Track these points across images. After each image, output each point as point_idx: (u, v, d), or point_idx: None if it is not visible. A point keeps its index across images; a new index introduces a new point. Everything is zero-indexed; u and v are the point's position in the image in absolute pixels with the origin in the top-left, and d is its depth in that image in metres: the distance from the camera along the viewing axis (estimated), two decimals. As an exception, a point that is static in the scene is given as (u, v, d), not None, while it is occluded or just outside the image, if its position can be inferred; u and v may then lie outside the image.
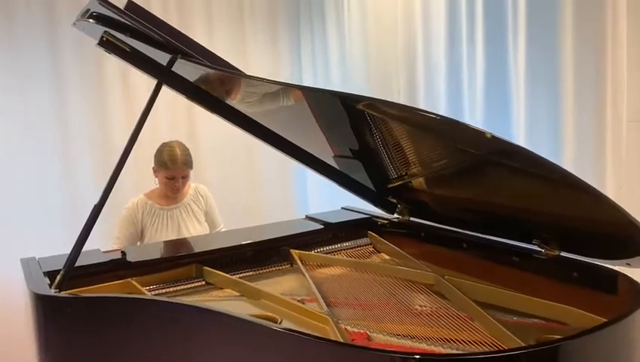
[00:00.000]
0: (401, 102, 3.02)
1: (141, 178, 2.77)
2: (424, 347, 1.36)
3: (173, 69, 1.80)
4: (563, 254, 1.66)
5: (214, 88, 2.03)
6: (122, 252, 2.02)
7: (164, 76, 1.80)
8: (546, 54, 2.31)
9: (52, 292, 1.61)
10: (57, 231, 3.12)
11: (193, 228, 2.59)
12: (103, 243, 2.50)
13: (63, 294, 1.60)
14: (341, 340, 1.33)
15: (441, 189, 2.07)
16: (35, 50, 3.18)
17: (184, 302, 1.45)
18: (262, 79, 1.65)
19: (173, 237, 2.55)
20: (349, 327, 1.47)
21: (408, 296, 1.73)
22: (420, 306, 1.62)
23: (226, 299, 1.79)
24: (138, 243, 2.61)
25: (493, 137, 1.27)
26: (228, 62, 1.77)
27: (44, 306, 1.58)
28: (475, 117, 2.70)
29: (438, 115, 1.42)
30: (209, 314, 1.41)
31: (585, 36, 2.18)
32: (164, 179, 2.50)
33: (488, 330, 1.43)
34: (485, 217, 1.93)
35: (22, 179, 3.18)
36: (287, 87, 1.84)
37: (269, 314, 1.58)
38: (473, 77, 2.71)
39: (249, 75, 1.67)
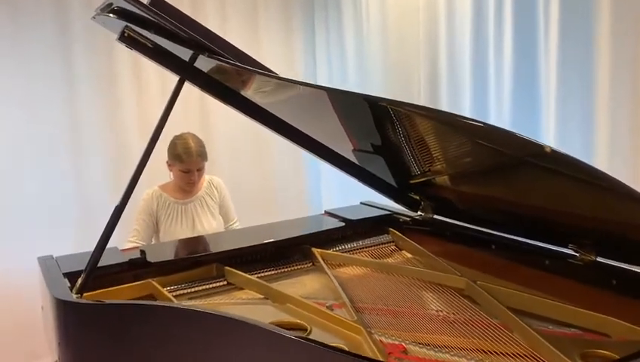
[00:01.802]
0: (422, 98, 2.96)
1: (153, 171, 2.70)
2: (464, 361, 1.31)
3: (195, 65, 1.73)
4: (599, 260, 1.61)
5: (230, 79, 1.96)
6: (141, 251, 1.97)
7: (187, 72, 1.73)
8: (580, 46, 2.21)
9: (74, 297, 1.56)
10: (68, 227, 3.08)
11: (207, 223, 2.55)
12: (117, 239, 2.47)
13: (84, 300, 1.55)
14: (378, 355, 1.28)
15: (467, 187, 2.01)
16: (44, 43, 3.10)
17: (209, 310, 1.40)
18: (290, 80, 1.58)
19: (187, 231, 2.50)
20: (383, 338, 1.43)
21: (438, 301, 1.68)
22: (453, 313, 1.57)
23: (249, 303, 1.74)
24: (153, 236, 2.57)
25: (553, 151, 1.20)
26: (250, 57, 1.70)
27: (66, 311, 1.53)
28: (501, 114, 2.62)
29: (486, 124, 1.35)
30: (235, 323, 1.36)
31: (623, 26, 2.07)
32: (179, 173, 2.45)
33: (526, 341, 1.38)
34: (515, 218, 1.87)
35: (31, 175, 3.12)
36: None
37: (298, 321, 1.54)
38: (500, 70, 2.62)
39: (278, 76, 1.59)
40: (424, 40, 2.98)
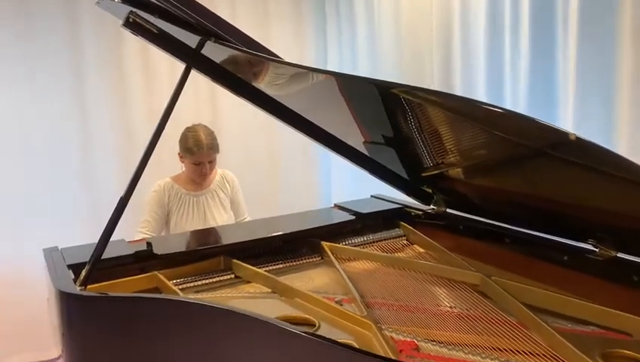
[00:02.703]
0: (436, 85, 2.89)
1: (163, 164, 2.67)
2: (479, 360, 1.26)
3: (202, 52, 1.68)
4: (620, 255, 1.54)
5: (242, 70, 1.92)
6: (148, 243, 1.93)
7: (194, 59, 1.68)
8: (601, 43, 2.13)
9: (77, 289, 1.52)
10: (77, 219, 3.06)
11: (219, 216, 2.51)
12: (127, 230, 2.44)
13: (88, 293, 1.52)
14: (389, 352, 1.23)
15: (482, 180, 1.95)
16: (52, 31, 3.07)
17: (213, 304, 1.36)
18: (300, 66, 1.53)
19: (198, 224, 2.47)
20: (394, 335, 1.38)
21: (452, 297, 1.63)
22: (467, 310, 1.52)
23: (257, 297, 1.70)
24: (163, 228, 2.53)
25: (578, 139, 1.14)
26: (261, 45, 1.65)
27: (69, 303, 1.50)
28: (516, 104, 2.55)
29: (506, 109, 1.29)
30: (241, 317, 1.32)
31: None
32: (190, 165, 2.42)
33: (544, 339, 1.32)
34: (531, 212, 1.81)
35: (40, 167, 3.11)
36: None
37: (306, 316, 1.49)
38: (516, 66, 2.54)
39: (287, 62, 1.54)
40: (437, 31, 2.91)
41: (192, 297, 1.70)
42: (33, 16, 3.00)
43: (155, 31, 1.62)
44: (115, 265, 1.78)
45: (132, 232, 2.47)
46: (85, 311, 1.48)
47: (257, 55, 1.56)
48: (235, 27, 1.58)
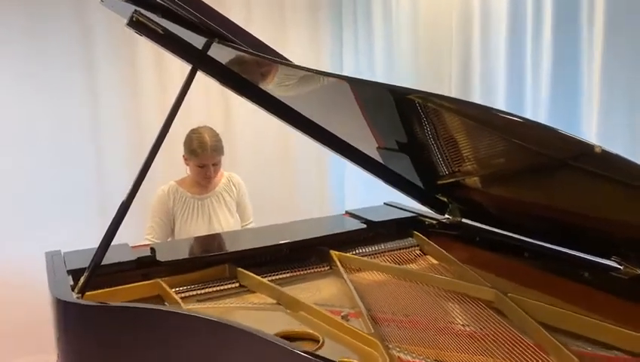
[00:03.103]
0: (453, 91, 2.81)
1: (175, 168, 2.62)
2: (491, 386, 1.18)
3: (209, 53, 1.62)
4: (646, 274, 1.45)
5: (249, 70, 1.86)
6: (151, 248, 1.89)
7: (199, 61, 1.63)
8: (628, 46, 2.03)
9: (74, 296, 1.48)
10: (88, 219, 3.03)
11: (224, 220, 2.46)
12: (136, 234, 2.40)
13: (83, 301, 1.47)
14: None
15: (500, 189, 1.86)
16: (64, 28, 3.05)
17: (207, 316, 1.31)
18: (308, 69, 1.46)
19: (203, 228, 2.42)
20: (402, 355, 1.30)
21: (465, 314, 1.54)
22: (481, 329, 1.44)
23: (261, 308, 1.63)
24: (170, 234, 2.49)
25: (604, 152, 1.06)
26: (267, 46, 1.59)
27: (65, 311, 1.45)
28: (537, 112, 2.45)
29: (526, 119, 1.21)
30: (237, 332, 1.26)
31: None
32: (195, 168, 2.37)
33: (563, 365, 1.24)
34: (552, 225, 1.72)
35: (50, 166, 3.08)
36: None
37: (310, 331, 1.43)
38: (538, 71, 2.45)
39: (294, 65, 1.48)
40: (456, 38, 2.82)
41: (194, 306, 1.65)
42: (45, 14, 2.99)
43: (160, 31, 1.57)
44: (117, 271, 1.74)
45: (139, 236, 2.43)
46: (80, 319, 1.44)
47: (263, 57, 1.49)
48: (241, 28, 1.52)
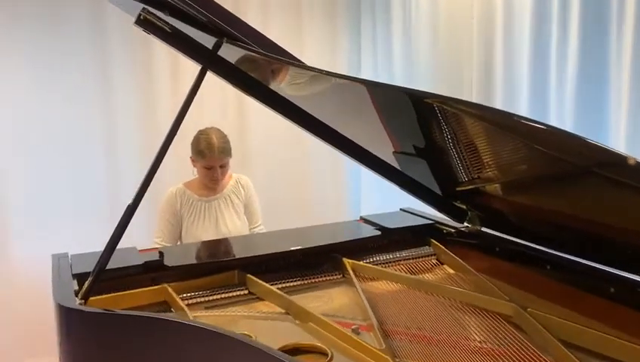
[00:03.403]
0: (474, 99, 2.72)
1: (188, 170, 2.58)
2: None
3: (219, 54, 1.57)
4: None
5: (260, 69, 1.80)
6: (160, 252, 1.85)
7: (210, 61, 1.58)
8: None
9: (77, 303, 1.44)
10: (100, 221, 2.99)
11: (231, 223, 2.41)
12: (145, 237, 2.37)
13: (85, 308, 1.43)
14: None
15: (522, 197, 1.77)
16: (79, 31, 3.04)
17: (212, 328, 1.26)
18: (321, 71, 1.40)
19: (209, 230, 2.38)
20: (413, 373, 1.23)
21: (482, 329, 1.46)
22: (498, 346, 1.36)
23: (269, 318, 1.58)
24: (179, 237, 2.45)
25: (638, 163, 0.97)
26: (278, 45, 1.53)
27: (66, 317, 1.41)
28: (563, 119, 2.36)
29: (551, 127, 1.14)
30: (239, 345, 1.20)
31: None
32: (202, 170, 2.33)
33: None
34: (576, 236, 1.63)
35: (64, 167, 3.07)
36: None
37: (318, 344, 1.36)
38: (563, 71, 2.35)
39: (309, 66, 1.42)
40: (478, 38, 2.73)
41: (200, 314, 1.60)
42: (61, 18, 2.98)
43: (168, 29, 1.53)
44: (123, 276, 1.70)
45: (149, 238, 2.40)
46: (81, 326, 1.41)
47: (274, 57, 1.44)
48: (251, 27, 1.47)
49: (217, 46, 1.54)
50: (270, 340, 1.40)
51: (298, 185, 3.52)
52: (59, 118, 3.03)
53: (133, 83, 3.15)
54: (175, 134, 1.53)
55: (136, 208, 1.52)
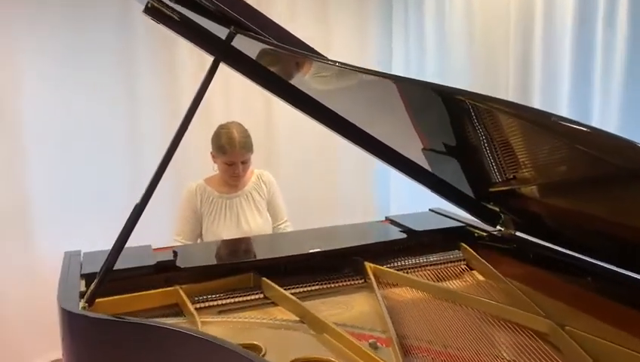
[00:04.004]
0: (511, 92, 2.57)
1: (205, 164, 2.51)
2: None
3: (233, 44, 1.48)
4: None
5: (281, 62, 1.70)
6: (174, 252, 1.77)
7: (223, 52, 1.48)
8: None
9: (80, 306, 1.38)
10: (124, 216, 2.96)
11: (253, 221, 2.32)
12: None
13: (86, 313, 1.36)
14: None
15: (561, 200, 1.62)
16: (104, 29, 2.99)
17: (212, 339, 1.19)
18: (341, 64, 1.29)
19: (230, 229, 2.30)
20: (433, 399, 1.12)
21: (513, 347, 1.34)
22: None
23: (282, 326, 1.48)
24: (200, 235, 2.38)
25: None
26: (299, 39, 1.42)
27: (67, 319, 1.36)
28: (607, 116, 2.18)
29: (596, 129, 1.01)
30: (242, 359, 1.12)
31: None
32: (223, 165, 2.25)
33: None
34: (621, 246, 1.47)
35: (88, 165, 3.05)
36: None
37: (331, 360, 1.26)
38: (609, 63, 2.17)
39: (327, 59, 1.31)
40: (515, 26, 2.56)
41: (213, 319, 1.53)
42: (87, 20, 2.94)
43: (177, 18, 1.44)
44: (135, 276, 1.63)
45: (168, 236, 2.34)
46: (82, 330, 1.36)
47: (288, 49, 1.33)
48: (266, 17, 1.36)
49: (231, 37, 1.44)
50: (280, 352, 1.32)
51: (324, 182, 3.41)
52: (83, 114, 3.01)
53: (158, 82, 3.09)
54: (186, 129, 1.45)
55: (144, 208, 1.45)
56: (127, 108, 3.08)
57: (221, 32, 1.45)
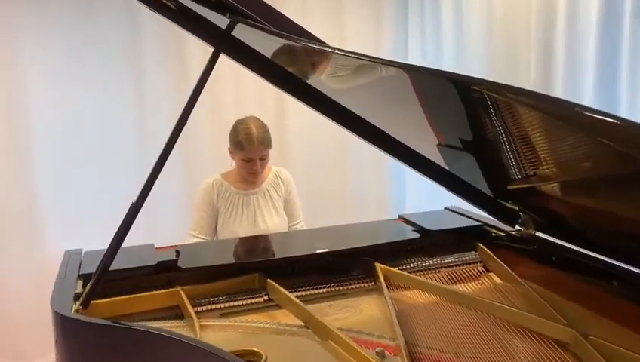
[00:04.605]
0: (532, 83, 2.45)
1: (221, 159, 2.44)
2: None
3: (234, 34, 1.40)
4: None
5: (298, 60, 1.62)
6: (176, 251, 1.71)
7: (222, 42, 1.41)
8: None
9: (72, 309, 1.33)
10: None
11: (270, 220, 2.26)
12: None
13: (77, 316, 1.31)
14: None
15: (585, 199, 1.51)
16: (113, 21, 2.94)
17: (204, 346, 1.13)
18: (345, 52, 1.21)
19: (246, 226, 2.24)
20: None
21: (532, 357, 1.24)
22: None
23: (286, 331, 1.41)
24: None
25: None
26: (305, 29, 1.34)
27: (62, 324, 1.30)
28: (635, 107, 2.06)
29: (625, 120, 0.91)
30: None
31: None
32: (240, 162, 2.18)
33: None
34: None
35: (97, 165, 3.00)
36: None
37: (335, 369, 1.19)
38: (637, 58, 2.05)
39: (330, 47, 1.23)
40: (537, 16, 2.44)
41: (213, 323, 1.46)
42: (96, 19, 2.90)
43: (172, 6, 1.37)
44: (135, 276, 1.58)
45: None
46: (75, 333, 1.31)
47: (287, 37, 1.25)
48: (268, 5, 1.28)
49: (231, 26, 1.36)
50: (280, 359, 1.25)
51: (337, 179, 3.32)
52: (91, 111, 2.96)
53: (168, 81, 3.03)
54: (184, 123, 1.38)
55: (140, 207, 1.38)
56: (135, 105, 3.03)
57: (221, 21, 1.38)
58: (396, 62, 1.32)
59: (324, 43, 1.36)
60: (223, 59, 3.08)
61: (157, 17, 2.66)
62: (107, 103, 2.98)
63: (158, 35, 2.96)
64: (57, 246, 2.90)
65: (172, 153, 3.09)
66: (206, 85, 3.15)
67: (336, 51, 1.26)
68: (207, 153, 3.03)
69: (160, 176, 3.10)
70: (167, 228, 2.84)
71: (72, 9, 2.87)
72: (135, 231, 2.75)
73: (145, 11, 2.83)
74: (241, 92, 3.02)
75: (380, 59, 1.27)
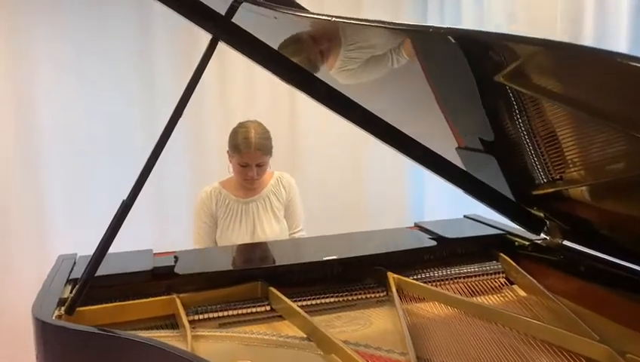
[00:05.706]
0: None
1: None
2: None
3: (234, 21, 1.31)
4: None
5: (305, 50, 1.53)
6: (175, 257, 1.62)
7: (220, 29, 1.32)
8: None
9: (54, 316, 1.24)
10: (143, 220, 2.84)
11: (269, 228, 2.15)
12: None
13: (60, 323, 1.22)
14: None
15: (617, 205, 1.40)
16: (123, 21, 2.89)
17: (190, 357, 1.03)
18: (356, 20, 1.10)
19: (245, 235, 2.15)
20: None
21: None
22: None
23: (287, 344, 1.30)
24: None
25: None
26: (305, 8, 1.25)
27: (42, 329, 1.21)
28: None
29: None
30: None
31: None
32: (237, 166, 2.10)
33: None
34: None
35: (106, 168, 2.93)
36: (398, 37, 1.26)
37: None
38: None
39: (339, 17, 1.12)
40: (563, 4, 2.31)
41: (211, 333, 1.36)
42: (106, 21, 2.86)
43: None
44: (129, 282, 1.49)
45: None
46: (54, 339, 1.22)
47: (289, 11, 1.15)
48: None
49: (231, 12, 1.28)
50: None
51: (352, 184, 3.20)
52: (101, 114, 2.92)
53: (178, 85, 2.96)
54: (179, 118, 1.29)
55: (131, 206, 1.29)
56: (146, 105, 2.97)
57: (220, 6, 1.29)
58: (406, 24, 1.20)
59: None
60: (235, 61, 3.02)
61: (168, 15, 2.60)
62: (117, 104, 2.93)
63: (168, 33, 2.92)
64: (64, 250, 2.84)
65: (182, 157, 3.03)
66: (216, 88, 3.09)
67: (349, 21, 1.15)
68: (217, 159, 2.96)
69: (172, 180, 3.05)
70: (179, 233, 2.76)
71: (83, 6, 2.83)
72: (146, 236, 2.68)
73: (156, 9, 2.81)
74: (251, 96, 2.94)
75: (393, 22, 1.17)
